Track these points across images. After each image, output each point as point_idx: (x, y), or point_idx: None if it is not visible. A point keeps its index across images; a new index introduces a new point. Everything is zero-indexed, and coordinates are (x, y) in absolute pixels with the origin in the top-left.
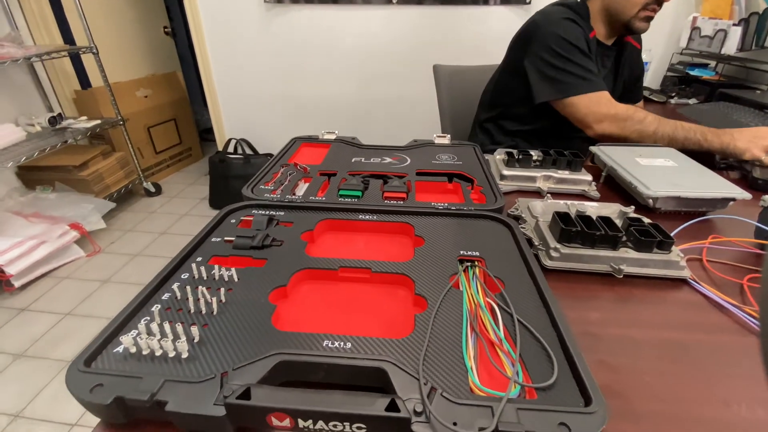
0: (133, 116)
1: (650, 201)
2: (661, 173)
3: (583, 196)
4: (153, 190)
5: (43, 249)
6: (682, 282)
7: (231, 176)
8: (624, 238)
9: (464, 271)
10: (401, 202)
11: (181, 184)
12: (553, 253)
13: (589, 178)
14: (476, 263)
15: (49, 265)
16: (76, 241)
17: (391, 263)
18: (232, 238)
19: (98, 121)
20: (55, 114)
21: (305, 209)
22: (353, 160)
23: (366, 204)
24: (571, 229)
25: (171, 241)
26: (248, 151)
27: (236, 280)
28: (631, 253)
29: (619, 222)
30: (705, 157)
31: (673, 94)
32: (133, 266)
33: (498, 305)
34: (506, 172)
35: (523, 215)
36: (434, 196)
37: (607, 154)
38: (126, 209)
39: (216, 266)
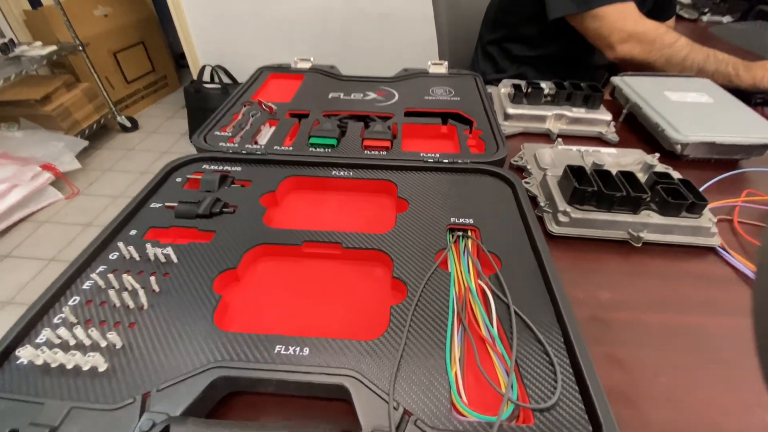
0: (94, 40)
1: (678, 147)
2: (693, 112)
3: (599, 140)
4: (129, 125)
5: (16, 193)
6: (709, 250)
7: (209, 108)
8: (647, 200)
9: (454, 243)
10: (384, 153)
11: (158, 117)
12: (562, 218)
13: (609, 117)
14: (469, 233)
15: (26, 208)
16: (52, 183)
17: (367, 236)
18: (175, 204)
19: (54, 47)
20: (6, 40)
21: (267, 163)
22: (330, 96)
23: (341, 155)
24: (586, 189)
25: None
26: (226, 80)
27: (175, 260)
28: (655, 218)
29: (642, 176)
30: (739, 90)
31: (706, 10)
32: (115, 208)
33: (492, 291)
34: (511, 110)
35: (528, 166)
36: (424, 144)
37: (632, 86)
38: (101, 147)
39: (151, 243)
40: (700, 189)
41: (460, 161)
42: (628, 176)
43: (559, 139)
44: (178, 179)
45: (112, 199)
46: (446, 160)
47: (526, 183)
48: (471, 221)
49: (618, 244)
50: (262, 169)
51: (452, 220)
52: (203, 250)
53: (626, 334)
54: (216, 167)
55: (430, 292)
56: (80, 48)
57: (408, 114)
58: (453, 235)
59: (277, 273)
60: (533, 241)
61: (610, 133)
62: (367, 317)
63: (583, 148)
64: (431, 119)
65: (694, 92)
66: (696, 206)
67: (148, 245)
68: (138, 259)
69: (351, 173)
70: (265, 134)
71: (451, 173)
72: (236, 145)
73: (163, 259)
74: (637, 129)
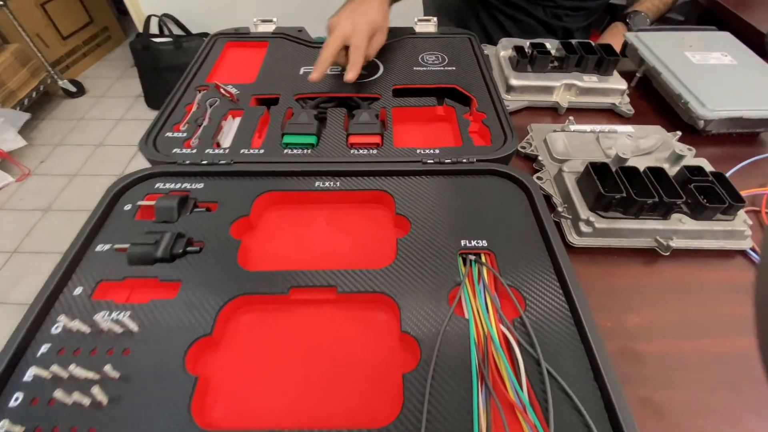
0: None
1: (701, 123)
2: (717, 79)
3: (611, 113)
4: (73, 89)
5: None
6: (738, 253)
7: (162, 68)
8: (680, 203)
9: (468, 275)
10: (374, 151)
11: (106, 78)
12: (584, 228)
13: (623, 86)
14: (483, 258)
15: None
16: None
17: (366, 274)
18: (126, 245)
19: None
20: None
21: (235, 175)
22: (302, 72)
23: (323, 159)
24: (614, 196)
25: (111, 156)
26: (177, 31)
27: (135, 329)
28: (687, 223)
29: (668, 167)
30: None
31: None
32: (74, 189)
33: (518, 342)
34: (515, 81)
35: (539, 156)
36: (420, 133)
37: (649, 46)
38: (47, 118)
39: (102, 306)
40: (727, 174)
41: (464, 160)
42: (658, 173)
43: (571, 118)
44: (127, 206)
45: (68, 178)
46: (448, 160)
47: (539, 179)
48: (484, 243)
49: (641, 252)
50: (230, 183)
51: (463, 243)
52: (169, 310)
53: (659, 369)
54: (173, 185)
55: (447, 350)
56: (1, 3)
57: (397, 92)
58: (465, 263)
59: (263, 332)
60: (558, 268)
61: (625, 104)
62: (376, 395)
63: (597, 128)
64: (425, 100)
65: (716, 52)
66: (731, 207)
67: (98, 316)
68: (88, 331)
69: (338, 183)
70: (229, 131)
71: (454, 176)
72: (194, 151)
73: (119, 329)
74: (651, 95)
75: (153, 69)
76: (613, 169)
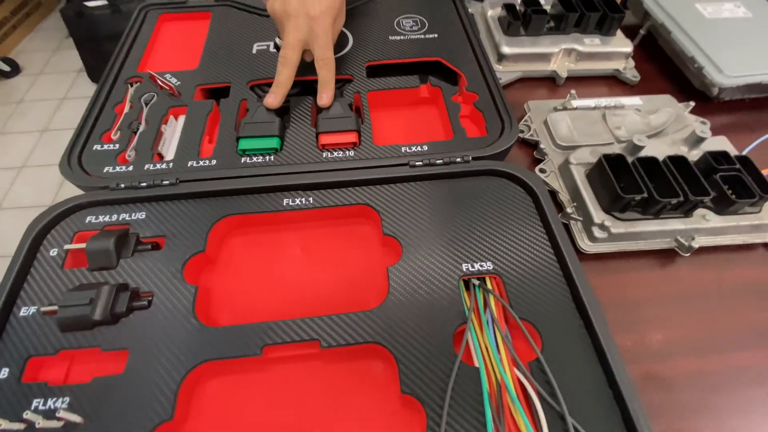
0: None
1: (715, 90)
2: (732, 36)
3: (613, 80)
4: (7, 68)
5: None
6: (760, 246)
7: (102, 37)
8: (707, 200)
9: (473, 309)
10: (351, 152)
11: (41, 52)
12: (598, 233)
13: (629, 48)
14: (489, 283)
15: None
16: None
17: (353, 319)
18: (54, 308)
19: None
20: None
21: (184, 198)
22: (256, 50)
23: (290, 166)
24: (634, 197)
25: (60, 141)
26: None
27: (78, 420)
28: (712, 220)
29: (686, 151)
30: None
31: None
32: (24, 183)
33: (538, 393)
34: (508, 49)
35: (540, 143)
36: (402, 124)
37: None
38: None
39: (34, 391)
40: (744, 153)
41: (459, 159)
42: (679, 163)
43: (573, 92)
44: (53, 251)
45: (15, 171)
46: (440, 161)
47: (542, 172)
48: (489, 266)
49: (657, 253)
50: (178, 208)
51: (465, 267)
52: (117, 390)
53: (690, 394)
54: (107, 218)
55: (457, 410)
56: None
57: (372, 70)
58: (468, 289)
59: (235, 403)
60: (577, 296)
61: (630, 69)
62: None
63: (602, 102)
64: (406, 80)
65: (728, 2)
66: (761, 200)
67: (31, 412)
68: (21, 430)
69: (311, 199)
70: (171, 136)
71: (448, 179)
72: (130, 168)
73: (59, 425)
74: (657, 55)
75: (91, 39)
76: (629, 161)
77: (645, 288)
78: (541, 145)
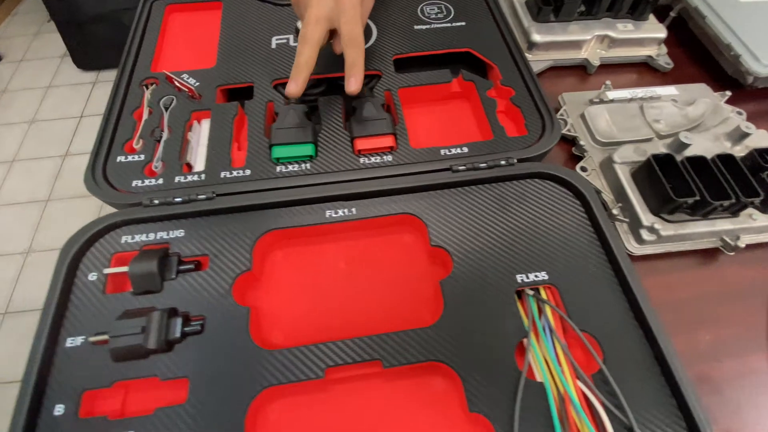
0: None
1: (750, 78)
2: None
3: (644, 66)
4: None
5: None
6: None
7: (85, 20)
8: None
9: (531, 325)
10: (389, 157)
11: (21, 37)
12: (647, 235)
13: (662, 33)
14: (543, 293)
15: None
16: None
17: (410, 337)
18: (105, 337)
19: None
20: None
21: (222, 213)
22: (275, 44)
23: (328, 174)
24: (686, 200)
25: (49, 133)
26: None
27: None
28: (759, 219)
29: (729, 147)
30: None
31: None
32: (17, 178)
33: (604, 405)
34: (538, 36)
35: (579, 139)
36: (435, 121)
37: None
38: None
39: (96, 426)
40: None
41: (503, 162)
42: (727, 162)
43: (608, 83)
44: (92, 276)
45: (6, 166)
46: (483, 164)
47: (583, 170)
48: (544, 276)
49: (702, 252)
50: (218, 224)
51: (519, 278)
52: (182, 420)
53: (739, 396)
54: (144, 236)
55: (525, 425)
56: None
57: (399, 64)
58: (522, 300)
59: (300, 426)
60: (631, 298)
61: (662, 56)
62: None
63: (638, 93)
64: (438, 74)
65: None
66: None
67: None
68: None
69: (354, 210)
70: (197, 145)
71: (492, 184)
72: (161, 181)
73: None
74: (687, 39)
75: (74, 22)
76: (678, 160)
77: (690, 288)
78: (581, 142)
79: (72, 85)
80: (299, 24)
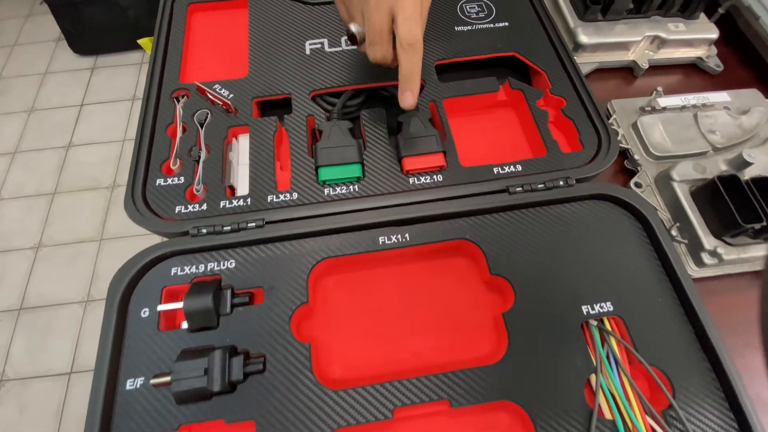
0: None
1: None
2: None
3: (692, 69)
4: None
5: None
6: None
7: (80, 2)
8: None
9: (599, 359)
10: (439, 177)
11: (13, 20)
12: (708, 259)
13: (714, 34)
14: (608, 324)
15: None
16: None
17: (477, 374)
18: (167, 379)
19: None
20: None
21: (273, 241)
22: (309, 50)
23: (376, 194)
24: (753, 226)
25: (51, 121)
26: None
27: None
28: None
29: None
30: None
31: None
32: (21, 170)
33: None
34: (586, 37)
35: (634, 153)
36: (482, 134)
37: None
38: None
39: None
40: None
41: (561, 183)
42: None
43: (659, 89)
44: (144, 312)
45: (8, 157)
46: (540, 185)
47: (637, 186)
48: (609, 307)
49: (759, 273)
50: (269, 254)
51: (585, 309)
52: None
53: None
54: (193, 268)
55: None
56: None
57: (441, 71)
58: (587, 332)
59: None
60: (699, 329)
61: (712, 57)
62: None
63: (690, 99)
64: (484, 83)
65: None
66: None
67: None
68: None
69: (407, 236)
70: (238, 164)
71: (549, 206)
72: (205, 207)
73: None
74: (734, 38)
75: (68, 3)
76: (743, 180)
77: (747, 310)
78: (635, 156)
79: (70, 72)
80: (353, 27)
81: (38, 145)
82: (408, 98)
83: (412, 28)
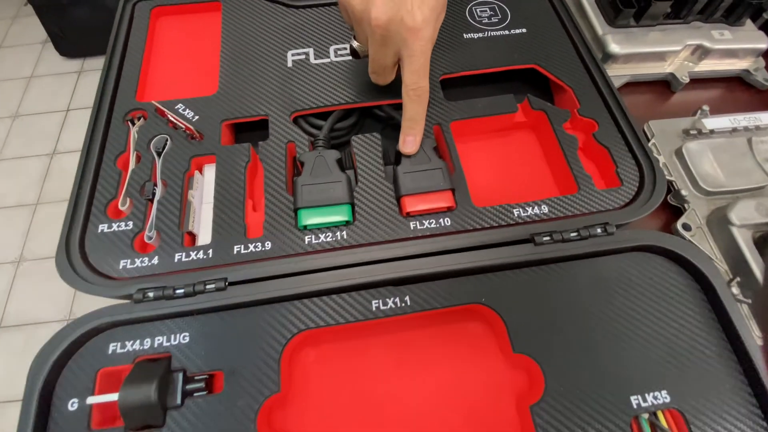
0: None
1: None
2: None
3: (738, 82)
4: None
5: None
6: None
7: (65, 3)
8: None
9: None
10: (447, 221)
11: None
12: None
13: (764, 44)
14: (662, 419)
15: None
16: None
17: None
18: None
19: None
20: None
21: (236, 308)
22: (291, 62)
23: (370, 244)
24: None
25: (35, 128)
26: None
27: None
28: None
29: None
30: None
31: None
32: (2, 179)
33: None
34: (617, 47)
35: (678, 185)
36: (501, 170)
37: None
38: None
39: None
40: None
41: (599, 230)
42: None
43: (705, 108)
44: (72, 404)
45: None
46: (573, 233)
47: (685, 228)
48: (665, 397)
49: None
50: (232, 324)
51: (634, 401)
52: None
53: None
54: (137, 345)
55: None
56: None
57: (447, 86)
58: (638, 429)
59: None
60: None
61: (760, 69)
62: None
63: (740, 120)
64: (497, 101)
65: None
66: None
67: None
68: None
69: (407, 299)
70: (201, 204)
71: (584, 261)
72: (156, 261)
73: None
74: None
75: (54, 4)
76: None
77: None
78: (681, 191)
79: (56, 75)
80: (356, 44)
81: (21, 153)
82: (409, 144)
83: (419, 80)
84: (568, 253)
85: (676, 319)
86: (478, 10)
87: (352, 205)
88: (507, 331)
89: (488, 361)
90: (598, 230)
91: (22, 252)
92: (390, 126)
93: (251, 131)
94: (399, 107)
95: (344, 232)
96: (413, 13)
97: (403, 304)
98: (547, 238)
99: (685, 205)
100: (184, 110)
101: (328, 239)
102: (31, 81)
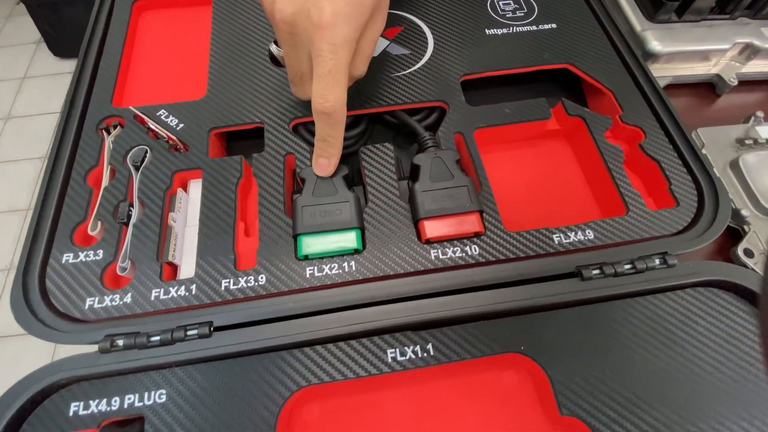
0: None
1: None
2: None
3: None
4: None
5: None
6: None
7: (59, 2)
8: None
9: None
10: (475, 249)
11: None
12: None
13: None
14: None
15: None
16: None
17: None
18: None
19: None
20: None
21: (223, 359)
22: None
23: (383, 276)
24: None
25: (27, 130)
26: None
27: None
28: None
29: None
30: None
31: None
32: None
33: None
34: (658, 44)
35: (738, 206)
36: (535, 188)
37: None
38: None
39: None
40: None
41: (657, 261)
42: None
43: (759, 114)
44: None
45: None
46: (627, 265)
47: (747, 255)
48: None
49: None
50: (218, 379)
51: None
52: None
53: None
54: (103, 405)
55: None
56: None
57: (469, 88)
58: None
59: None
60: None
61: None
62: None
63: None
64: (527, 106)
65: None
66: None
67: None
68: None
69: (429, 348)
70: (183, 228)
71: (639, 299)
72: (128, 300)
73: None
74: None
75: (46, 4)
76: None
77: None
78: (742, 212)
79: (50, 76)
80: (274, 48)
81: (13, 156)
82: (322, 165)
83: (326, 91)
84: (623, 291)
85: (749, 366)
86: (501, 3)
87: (362, 230)
88: (552, 387)
89: (529, 426)
90: (656, 261)
91: (12, 259)
92: (403, 134)
93: (244, 141)
94: (413, 113)
95: (352, 263)
96: (320, 5)
97: (425, 354)
98: (597, 271)
99: (746, 228)
100: (166, 117)
101: (334, 272)
102: (25, 82)
